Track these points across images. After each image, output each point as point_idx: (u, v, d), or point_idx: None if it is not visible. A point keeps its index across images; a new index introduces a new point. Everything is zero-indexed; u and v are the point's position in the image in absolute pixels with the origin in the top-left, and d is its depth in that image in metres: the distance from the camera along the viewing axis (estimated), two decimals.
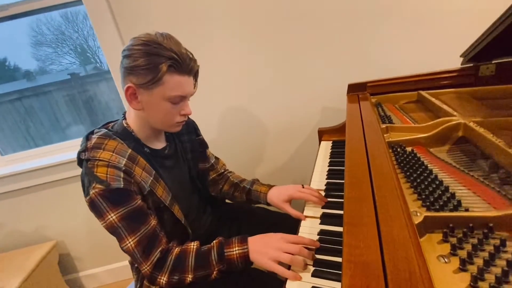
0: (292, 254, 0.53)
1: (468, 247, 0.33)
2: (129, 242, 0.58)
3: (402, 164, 0.55)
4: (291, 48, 1.19)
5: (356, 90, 1.03)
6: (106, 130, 0.65)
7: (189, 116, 0.81)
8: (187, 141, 0.82)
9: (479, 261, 0.31)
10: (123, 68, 0.61)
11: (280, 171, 1.40)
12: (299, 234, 0.60)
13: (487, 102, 0.78)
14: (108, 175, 0.58)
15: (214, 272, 0.59)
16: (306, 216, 0.65)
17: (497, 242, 0.33)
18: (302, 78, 1.24)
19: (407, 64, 1.19)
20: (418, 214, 0.38)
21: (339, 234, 0.55)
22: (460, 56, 0.89)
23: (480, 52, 0.82)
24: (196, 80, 0.68)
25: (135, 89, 0.61)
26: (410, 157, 0.57)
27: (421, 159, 0.56)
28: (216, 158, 0.92)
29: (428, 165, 0.53)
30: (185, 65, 0.61)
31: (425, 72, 0.95)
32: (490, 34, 0.72)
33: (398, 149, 0.61)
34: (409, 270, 0.26)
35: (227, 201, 0.99)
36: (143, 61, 0.57)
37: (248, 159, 1.38)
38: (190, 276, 0.59)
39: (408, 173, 0.52)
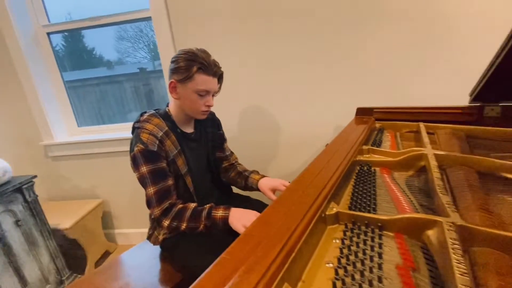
0: None
1: (355, 235, 0.45)
2: (151, 190, 0.82)
3: (358, 178, 0.66)
4: (319, 70, 1.34)
5: (364, 114, 1.13)
6: (155, 112, 0.92)
7: (219, 116, 1.07)
8: (210, 132, 1.04)
9: (355, 243, 0.43)
10: (170, 70, 0.87)
11: (286, 176, 1.53)
12: None
13: (476, 141, 0.82)
14: (148, 140, 0.82)
15: (201, 226, 0.78)
16: None
17: (376, 236, 0.44)
18: (323, 97, 1.37)
19: (425, 95, 1.23)
20: (334, 209, 0.50)
21: None
22: (469, 95, 0.93)
23: (486, 92, 0.87)
24: (220, 83, 0.91)
25: (176, 83, 0.86)
26: (368, 174, 0.68)
27: (376, 177, 0.66)
28: (232, 152, 1.13)
29: (378, 182, 0.64)
30: (210, 68, 0.84)
31: (431, 105, 1.01)
32: (486, 73, 0.78)
33: (365, 168, 0.72)
34: (287, 229, 0.41)
35: (234, 191, 1.17)
36: (183, 64, 0.83)
37: (260, 162, 1.54)
38: (184, 225, 0.79)
39: (356, 185, 0.63)
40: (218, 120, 1.09)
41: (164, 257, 1.00)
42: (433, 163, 0.62)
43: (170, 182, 0.85)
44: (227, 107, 1.45)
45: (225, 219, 0.77)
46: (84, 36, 1.73)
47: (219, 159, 1.08)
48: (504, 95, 0.89)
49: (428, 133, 0.88)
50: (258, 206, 1.06)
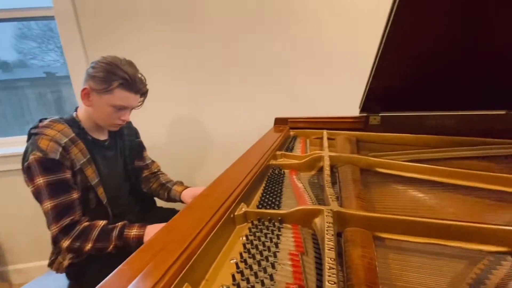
0: None
1: (258, 231, 0.50)
2: (48, 204, 0.71)
3: (269, 180, 0.73)
4: (240, 83, 1.41)
5: (280, 123, 1.24)
6: (58, 117, 0.81)
7: (138, 124, 1.02)
8: (128, 140, 0.99)
9: (258, 238, 0.48)
10: (87, 74, 0.79)
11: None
12: None
13: (363, 145, 1.00)
14: (48, 147, 0.72)
15: (111, 246, 0.72)
16: None
17: (276, 229, 0.50)
18: (246, 108, 1.45)
19: (331, 106, 1.44)
20: (243, 209, 0.55)
21: None
22: (359, 107, 1.14)
23: (371, 105, 1.07)
24: (143, 98, 0.87)
25: (90, 91, 0.78)
26: (278, 176, 0.76)
27: (284, 178, 0.75)
28: (153, 161, 1.09)
29: (285, 182, 0.72)
30: (135, 86, 0.80)
31: (333, 115, 1.19)
32: (365, 90, 0.96)
33: (276, 171, 0.80)
34: (193, 231, 0.42)
35: (158, 205, 1.12)
36: (102, 75, 0.76)
37: (186, 171, 1.52)
38: (89, 245, 0.72)
39: (267, 186, 0.69)
40: (136, 129, 1.04)
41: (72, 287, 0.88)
42: (326, 163, 0.74)
43: (75, 195, 0.76)
44: (148, 116, 1.39)
45: (140, 239, 0.73)
46: None
47: (139, 168, 1.03)
48: (384, 106, 1.11)
49: (329, 139, 1.04)
50: None
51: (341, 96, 1.46)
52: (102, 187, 0.83)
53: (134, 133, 1.02)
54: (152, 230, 0.74)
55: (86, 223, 0.75)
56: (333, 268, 0.34)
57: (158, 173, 1.07)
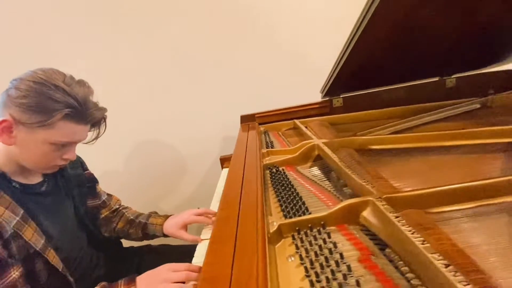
0: (183, 282, 0.52)
1: (307, 244, 0.42)
2: None
3: (274, 182, 0.65)
4: (192, 80, 1.26)
5: (247, 120, 1.16)
6: None
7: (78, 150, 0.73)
8: (73, 176, 0.74)
9: (313, 254, 0.40)
10: (7, 97, 0.52)
11: (188, 203, 1.37)
12: (194, 258, 0.60)
13: (337, 127, 1.01)
14: None
15: None
16: (203, 239, 0.66)
17: (326, 236, 0.42)
18: (203, 109, 1.31)
19: (292, 96, 1.42)
20: (275, 223, 0.45)
21: None
22: (320, 92, 1.14)
23: (332, 87, 1.08)
24: (98, 127, 0.64)
25: (13, 123, 0.53)
26: (280, 175, 0.68)
27: (288, 176, 0.67)
28: (110, 195, 0.86)
29: (292, 181, 0.64)
30: (86, 114, 0.57)
31: (298, 104, 1.17)
32: (333, 73, 0.96)
33: (274, 170, 0.72)
34: (249, 275, 0.31)
35: (124, 245, 0.90)
36: (35, 101, 0.51)
37: (152, 195, 1.30)
38: None
39: (277, 190, 0.61)
40: (80, 158, 0.79)
41: None
42: (327, 150, 0.69)
43: (14, 275, 0.52)
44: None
45: None
46: None
47: (94, 208, 0.79)
48: (344, 89, 1.14)
49: None
50: (167, 254, 0.85)
51: (296, 86, 1.45)
52: (53, 249, 0.60)
53: (79, 164, 0.77)
54: (142, 281, 0.56)
55: None
56: (449, 265, 0.28)
57: (121, 208, 0.85)
